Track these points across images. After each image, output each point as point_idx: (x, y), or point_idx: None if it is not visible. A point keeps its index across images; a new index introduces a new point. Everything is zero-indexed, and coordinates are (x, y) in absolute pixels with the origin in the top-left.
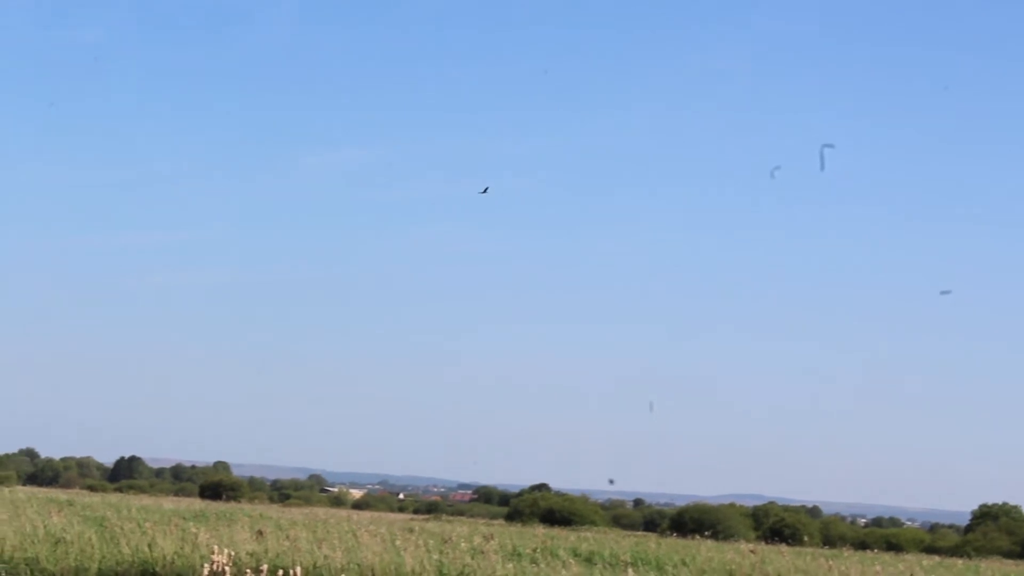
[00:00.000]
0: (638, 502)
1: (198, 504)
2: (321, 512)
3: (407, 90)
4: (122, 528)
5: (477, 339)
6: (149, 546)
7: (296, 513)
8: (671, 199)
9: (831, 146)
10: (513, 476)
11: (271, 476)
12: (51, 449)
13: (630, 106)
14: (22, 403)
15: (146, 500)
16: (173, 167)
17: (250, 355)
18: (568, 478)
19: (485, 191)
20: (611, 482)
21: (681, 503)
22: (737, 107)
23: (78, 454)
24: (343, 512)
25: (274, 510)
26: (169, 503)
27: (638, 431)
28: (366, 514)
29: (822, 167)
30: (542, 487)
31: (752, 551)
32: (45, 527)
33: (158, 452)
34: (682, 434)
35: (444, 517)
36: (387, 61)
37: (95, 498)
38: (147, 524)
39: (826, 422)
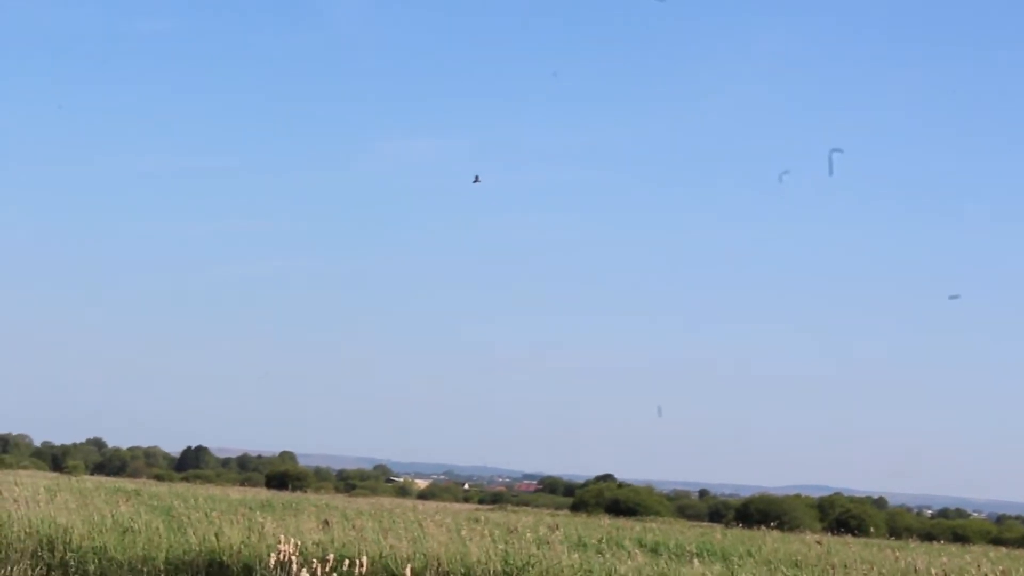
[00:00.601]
0: (703, 493)
1: (264, 494)
2: (387, 502)
3: (479, 79)
4: (189, 517)
5: (541, 328)
6: (216, 535)
7: (362, 503)
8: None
9: (839, 151)
10: (578, 466)
11: (336, 466)
12: (118, 439)
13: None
14: (89, 393)
15: (212, 490)
16: (245, 157)
17: (314, 345)
18: (633, 469)
19: (476, 180)
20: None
21: (746, 494)
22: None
23: (144, 444)
24: (408, 502)
25: (340, 500)
26: (235, 493)
27: (702, 422)
28: (431, 504)
29: (831, 172)
30: (607, 478)
31: (818, 542)
32: (113, 516)
33: (224, 442)
34: (747, 425)
35: (509, 507)
36: (458, 49)
37: (162, 487)
38: (214, 514)
39: (891, 413)
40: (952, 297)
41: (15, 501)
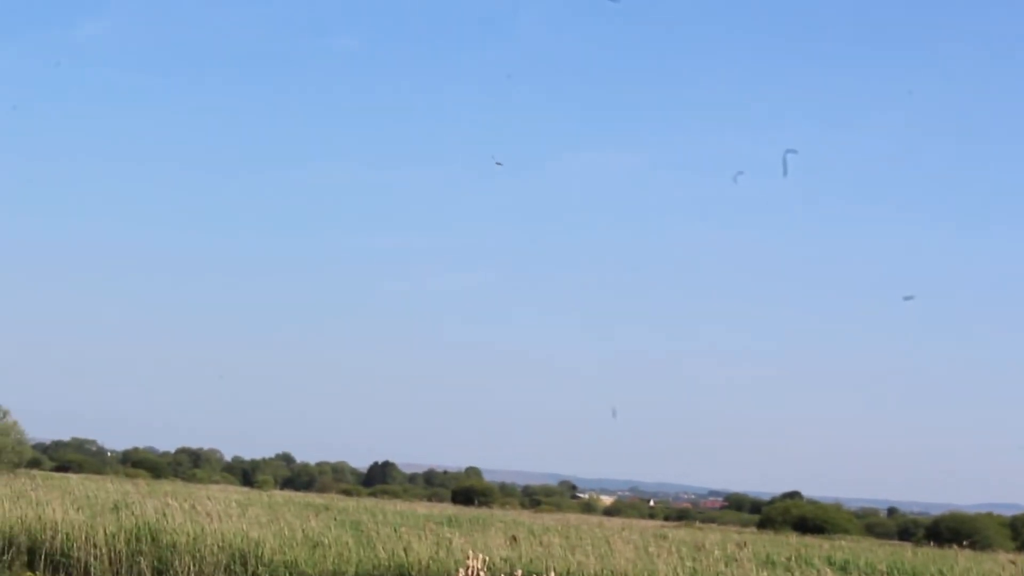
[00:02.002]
0: (891, 511)
1: (450, 509)
2: (572, 518)
3: (659, 90)
4: (378, 532)
5: (723, 340)
6: (404, 550)
7: (548, 519)
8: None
9: (794, 151)
10: (763, 483)
11: (522, 482)
12: (306, 454)
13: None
14: (279, 409)
15: (400, 505)
16: (430, 170)
17: (501, 361)
18: (819, 485)
19: (498, 163)
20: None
21: (936, 512)
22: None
23: (332, 459)
24: (594, 518)
25: (526, 516)
26: (422, 508)
27: (889, 437)
28: (617, 520)
29: (785, 173)
30: (794, 495)
31: (1012, 562)
32: (303, 530)
33: (411, 457)
34: (938, 442)
35: (695, 524)
36: (644, 62)
37: (350, 502)
38: (402, 528)
39: None
40: (906, 298)
41: (208, 515)
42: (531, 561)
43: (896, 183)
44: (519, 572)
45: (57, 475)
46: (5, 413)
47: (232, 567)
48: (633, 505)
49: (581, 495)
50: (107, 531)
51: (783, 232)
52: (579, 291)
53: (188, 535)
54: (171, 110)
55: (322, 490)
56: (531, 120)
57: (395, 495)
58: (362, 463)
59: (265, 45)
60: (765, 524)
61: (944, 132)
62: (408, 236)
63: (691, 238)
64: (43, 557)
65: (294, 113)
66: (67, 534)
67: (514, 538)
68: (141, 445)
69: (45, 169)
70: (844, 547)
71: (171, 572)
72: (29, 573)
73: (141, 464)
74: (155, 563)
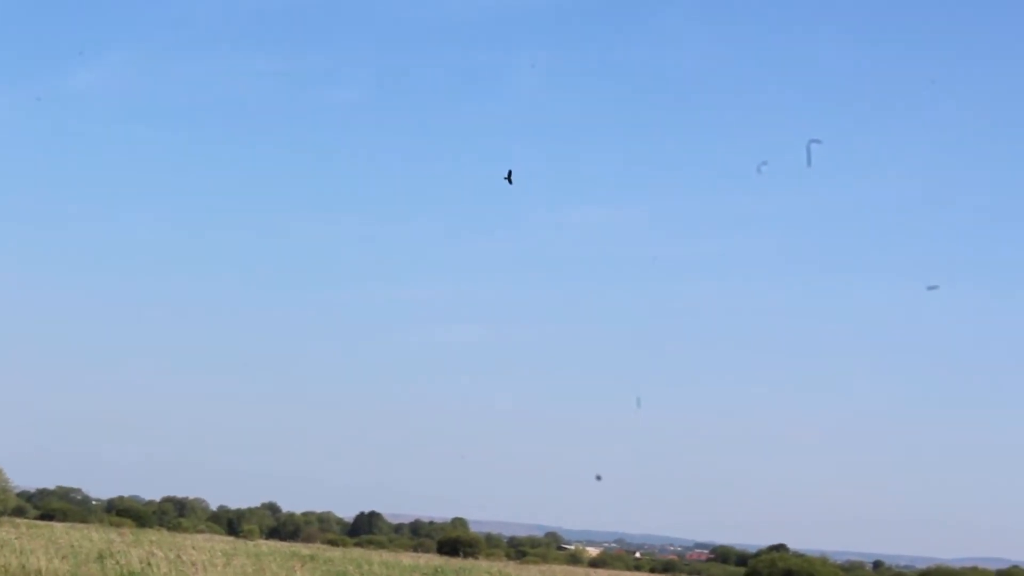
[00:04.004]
0: (877, 564)
1: (436, 560)
2: (558, 570)
3: (651, 148)
4: None
5: (712, 394)
6: None
7: (533, 571)
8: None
9: (818, 141)
10: (749, 536)
11: (508, 533)
12: (292, 503)
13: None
14: (264, 458)
15: (386, 555)
16: (422, 224)
17: (488, 413)
18: (805, 538)
19: (509, 178)
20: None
21: (921, 566)
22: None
23: (318, 509)
24: (580, 570)
25: (512, 567)
26: (408, 559)
27: (876, 490)
28: (603, 572)
29: (809, 163)
30: (780, 547)
31: None
32: None
33: (397, 508)
34: (924, 496)
35: None
36: (630, 120)
37: (336, 553)
38: None
39: None
40: (931, 288)
41: (193, 565)
42: None
43: (909, 243)
44: None
45: (41, 523)
46: None
47: None
48: (619, 557)
49: (567, 546)
50: None
51: (773, 288)
52: (570, 346)
53: None
54: (163, 160)
55: (308, 540)
56: (529, 174)
57: (381, 545)
58: (348, 513)
59: (260, 97)
60: None
61: (963, 193)
62: (403, 289)
63: (687, 293)
64: None
65: (290, 166)
66: None
67: None
68: (126, 494)
69: (39, 220)
70: None
71: None
72: None
73: (126, 513)
74: None
